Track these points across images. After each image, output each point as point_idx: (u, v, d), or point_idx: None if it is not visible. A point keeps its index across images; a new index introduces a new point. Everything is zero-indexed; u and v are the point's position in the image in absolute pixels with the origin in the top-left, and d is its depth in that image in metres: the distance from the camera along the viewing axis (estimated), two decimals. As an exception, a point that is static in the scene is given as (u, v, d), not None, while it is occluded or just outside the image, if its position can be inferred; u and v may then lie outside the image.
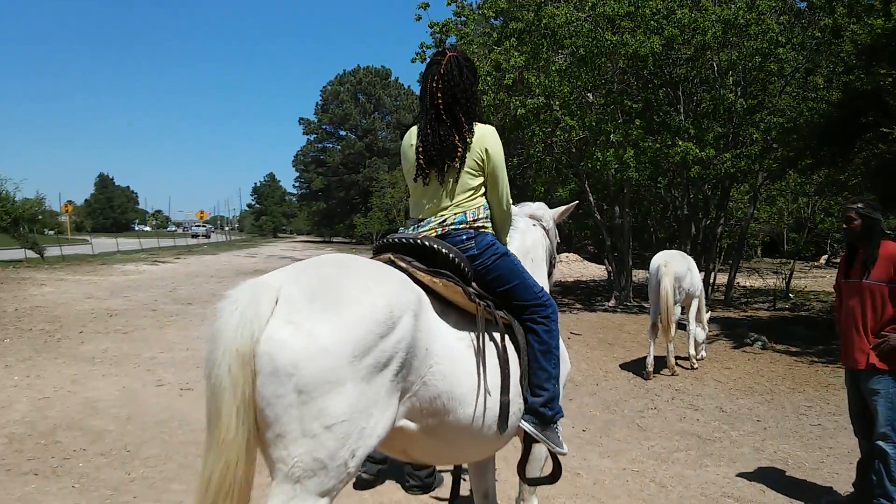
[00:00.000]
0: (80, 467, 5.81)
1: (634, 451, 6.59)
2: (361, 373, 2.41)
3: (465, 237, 3.18)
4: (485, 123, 3.33)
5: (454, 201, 3.24)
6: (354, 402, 2.39)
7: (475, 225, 3.24)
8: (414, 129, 3.34)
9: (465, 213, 3.23)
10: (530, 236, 4.04)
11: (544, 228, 4.22)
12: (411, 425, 2.76)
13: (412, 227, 3.28)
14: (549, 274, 4.22)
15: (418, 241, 3.06)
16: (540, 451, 3.53)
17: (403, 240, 3.09)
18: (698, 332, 10.61)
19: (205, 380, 2.39)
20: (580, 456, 6.37)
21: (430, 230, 3.20)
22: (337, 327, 2.40)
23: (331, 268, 2.69)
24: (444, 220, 3.21)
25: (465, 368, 2.89)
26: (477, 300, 3.04)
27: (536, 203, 4.34)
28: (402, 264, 2.96)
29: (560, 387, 3.36)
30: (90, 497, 5.20)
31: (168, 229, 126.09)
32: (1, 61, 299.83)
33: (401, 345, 2.55)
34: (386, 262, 2.98)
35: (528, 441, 3.36)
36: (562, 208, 4.52)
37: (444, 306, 2.98)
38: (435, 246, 3.05)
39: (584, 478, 5.83)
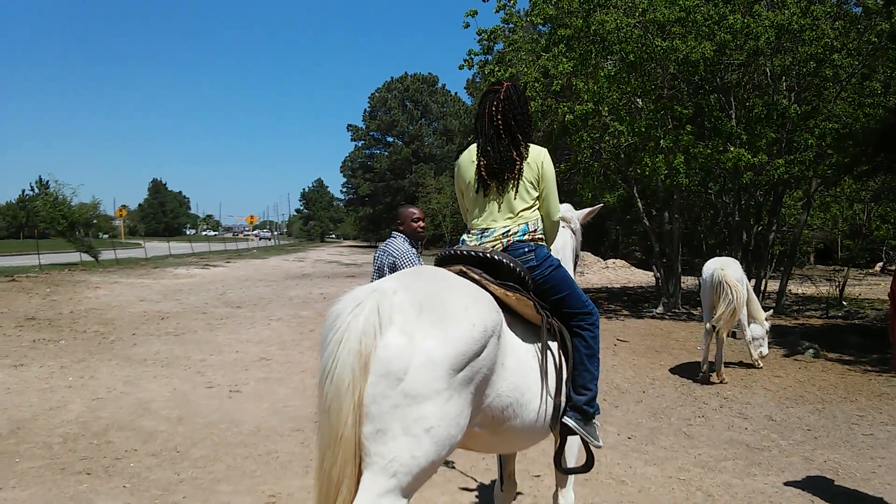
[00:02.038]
0: (132, 467, 5.96)
1: (681, 460, 6.52)
2: (455, 385, 2.61)
3: (526, 249, 3.44)
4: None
5: (517, 213, 3.49)
6: (448, 411, 2.58)
7: (536, 237, 3.52)
8: (473, 147, 3.60)
9: (527, 223, 3.50)
10: (560, 238, 4.24)
11: (571, 230, 4.51)
12: (480, 430, 2.98)
13: (477, 237, 3.51)
14: (573, 271, 4.45)
15: (487, 255, 3.32)
16: (574, 443, 3.73)
17: (472, 253, 3.34)
18: (755, 328, 10.63)
19: (324, 378, 2.54)
20: (625, 464, 6.32)
21: (495, 241, 3.45)
22: (442, 342, 2.59)
23: (433, 282, 2.92)
24: (509, 231, 3.46)
25: (531, 377, 3.13)
26: (543, 312, 3.28)
27: (564, 205, 4.52)
28: (475, 276, 3.20)
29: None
30: (141, 497, 5.34)
31: (207, 233, 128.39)
32: (61, 72, 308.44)
33: (485, 362, 2.76)
34: (458, 274, 3.19)
35: (563, 435, 3.53)
36: (587, 210, 4.83)
37: (511, 318, 3.20)
38: (504, 260, 3.31)
39: (630, 486, 5.79)
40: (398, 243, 5.73)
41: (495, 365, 2.86)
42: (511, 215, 3.48)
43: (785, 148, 16.37)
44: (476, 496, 5.49)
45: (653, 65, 16.57)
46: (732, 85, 16.98)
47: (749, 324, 10.57)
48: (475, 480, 5.80)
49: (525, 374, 3.08)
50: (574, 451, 3.80)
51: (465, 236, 3.61)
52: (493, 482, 5.38)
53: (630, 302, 20.45)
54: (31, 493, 5.33)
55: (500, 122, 3.48)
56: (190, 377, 9.41)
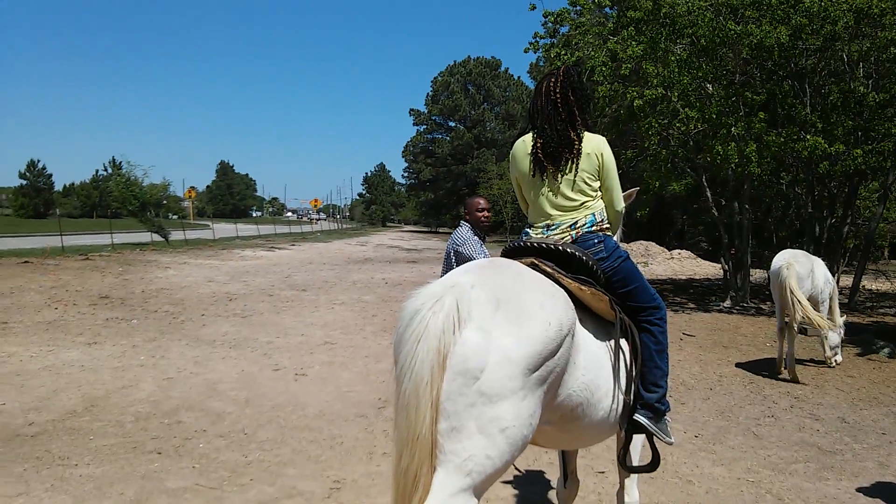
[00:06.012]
0: (201, 448, 6.08)
1: (750, 461, 6.35)
2: (529, 384, 2.57)
3: (595, 240, 3.37)
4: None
5: (582, 203, 3.41)
6: (522, 410, 2.53)
7: (603, 227, 3.45)
8: (528, 137, 3.52)
9: (593, 214, 3.43)
10: None
11: None
12: (548, 426, 2.93)
13: (543, 230, 3.45)
14: None
15: (559, 247, 3.27)
16: (637, 441, 3.67)
17: (542, 245, 3.29)
18: (832, 335, 10.22)
19: (402, 375, 2.52)
20: (692, 463, 6.20)
21: (563, 233, 3.39)
22: (519, 340, 2.55)
23: (508, 276, 2.86)
24: (577, 223, 3.40)
25: (602, 374, 3.08)
26: (617, 308, 3.22)
27: None
28: (547, 268, 3.15)
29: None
30: (209, 478, 5.43)
31: (270, 214, 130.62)
32: (134, 58, 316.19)
33: (560, 360, 2.71)
34: (530, 266, 3.13)
35: (628, 433, 3.46)
36: (625, 193, 4.67)
37: (583, 313, 3.13)
38: (576, 253, 3.26)
39: (697, 486, 5.67)
40: (462, 231, 6.06)
41: (568, 363, 2.81)
42: (574, 205, 3.40)
43: (862, 137, 15.79)
44: (537, 490, 5.46)
45: (725, 49, 16.11)
46: (808, 71, 16.39)
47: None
48: (537, 474, 5.77)
49: (597, 371, 3.02)
50: (638, 449, 3.73)
51: (528, 229, 3.53)
52: (556, 478, 5.34)
53: (696, 295, 20.04)
54: (105, 471, 5.48)
55: (558, 96, 3.42)
56: (257, 359, 9.57)
